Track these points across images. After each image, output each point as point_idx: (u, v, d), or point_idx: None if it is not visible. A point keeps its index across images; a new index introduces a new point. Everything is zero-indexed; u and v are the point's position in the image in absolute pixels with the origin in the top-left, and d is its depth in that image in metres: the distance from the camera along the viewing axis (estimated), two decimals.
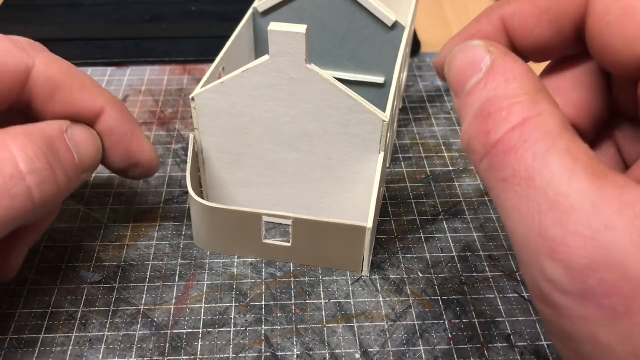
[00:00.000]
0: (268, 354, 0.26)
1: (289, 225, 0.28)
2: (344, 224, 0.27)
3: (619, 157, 0.21)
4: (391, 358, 0.26)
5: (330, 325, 0.27)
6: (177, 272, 0.29)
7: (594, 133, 0.21)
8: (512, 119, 0.16)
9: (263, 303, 0.28)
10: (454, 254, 0.31)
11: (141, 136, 0.28)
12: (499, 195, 0.16)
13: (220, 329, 0.27)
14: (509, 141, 0.16)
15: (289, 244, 0.29)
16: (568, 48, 0.20)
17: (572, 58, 0.21)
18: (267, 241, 0.29)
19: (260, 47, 0.37)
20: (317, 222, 0.27)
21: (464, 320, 0.28)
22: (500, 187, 0.16)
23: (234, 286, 0.29)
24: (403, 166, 0.37)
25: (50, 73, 0.25)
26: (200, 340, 0.26)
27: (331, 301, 0.28)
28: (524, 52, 0.20)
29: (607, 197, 0.15)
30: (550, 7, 0.19)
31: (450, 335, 0.27)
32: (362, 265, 0.29)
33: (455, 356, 0.26)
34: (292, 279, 0.29)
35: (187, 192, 0.34)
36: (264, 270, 0.30)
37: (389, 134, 0.28)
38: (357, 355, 0.26)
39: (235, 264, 0.30)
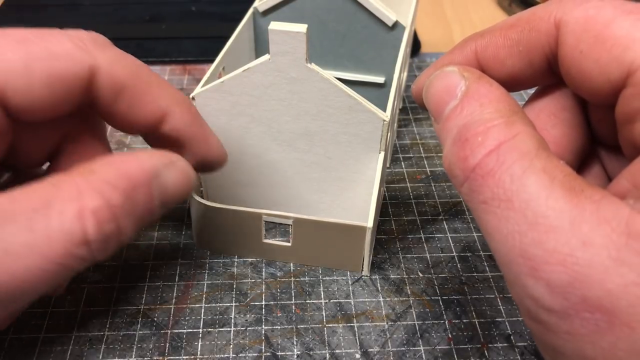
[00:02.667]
0: (268, 353, 0.26)
1: (289, 225, 0.28)
2: (344, 223, 0.27)
3: (604, 172, 0.21)
4: (391, 358, 0.26)
5: (330, 325, 0.27)
6: (177, 272, 0.29)
7: (578, 163, 0.21)
8: (488, 143, 0.17)
9: (263, 303, 0.28)
10: (454, 254, 0.31)
11: (209, 136, 0.26)
12: (480, 216, 0.17)
13: (220, 329, 0.27)
14: (486, 165, 0.17)
15: (289, 244, 0.29)
16: (540, 79, 0.20)
17: (548, 94, 0.21)
18: (267, 241, 0.29)
19: (260, 46, 0.37)
20: (317, 221, 0.27)
21: (464, 320, 0.27)
22: (481, 209, 0.17)
23: (234, 286, 0.29)
24: (403, 166, 0.37)
25: (114, 74, 0.23)
26: (200, 340, 0.26)
27: (331, 301, 0.28)
28: (495, 78, 0.20)
29: (584, 213, 0.15)
30: (522, 39, 0.19)
31: (450, 335, 0.27)
32: (363, 265, 0.29)
33: (455, 356, 0.26)
34: (292, 278, 0.29)
35: None
36: (264, 270, 0.30)
37: (389, 134, 0.28)
38: (357, 355, 0.26)
39: (235, 263, 0.30)
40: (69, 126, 0.25)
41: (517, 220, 0.16)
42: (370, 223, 0.27)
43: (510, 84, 0.20)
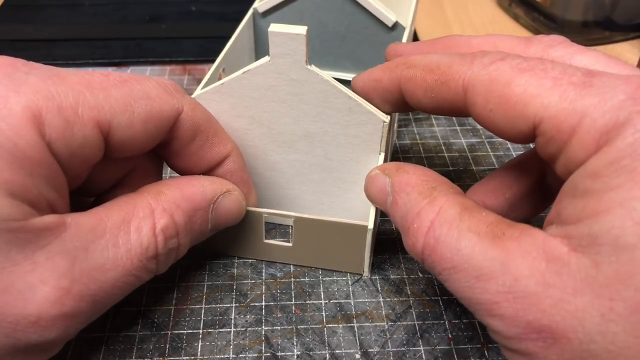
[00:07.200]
0: (268, 354, 0.26)
1: (289, 225, 0.28)
2: (345, 222, 0.27)
3: None
4: (391, 358, 0.26)
5: (330, 325, 0.27)
6: (177, 273, 0.30)
7: (535, 212, 0.26)
8: (423, 226, 0.20)
9: (263, 303, 0.28)
10: None
11: (251, 184, 0.29)
12: (443, 282, 0.20)
13: (220, 330, 0.27)
14: (428, 245, 0.20)
15: (290, 244, 0.29)
16: (452, 114, 0.23)
17: (510, 168, 0.26)
18: (268, 241, 0.29)
19: (260, 47, 0.37)
20: (318, 220, 0.27)
21: (464, 320, 0.28)
22: (440, 279, 0.20)
23: (234, 286, 0.29)
24: None
25: (194, 117, 0.25)
26: (200, 341, 0.26)
27: (331, 301, 0.28)
28: (415, 107, 0.24)
29: (509, 253, 0.18)
30: (434, 88, 0.22)
31: (450, 335, 0.27)
32: (363, 266, 0.29)
33: (455, 356, 0.26)
34: (292, 279, 0.29)
35: None
36: (264, 270, 0.30)
37: (389, 135, 0.28)
38: (357, 356, 0.26)
39: (235, 264, 0.30)
40: (139, 161, 0.26)
41: (466, 278, 0.19)
42: (370, 224, 0.27)
43: (426, 111, 0.24)
